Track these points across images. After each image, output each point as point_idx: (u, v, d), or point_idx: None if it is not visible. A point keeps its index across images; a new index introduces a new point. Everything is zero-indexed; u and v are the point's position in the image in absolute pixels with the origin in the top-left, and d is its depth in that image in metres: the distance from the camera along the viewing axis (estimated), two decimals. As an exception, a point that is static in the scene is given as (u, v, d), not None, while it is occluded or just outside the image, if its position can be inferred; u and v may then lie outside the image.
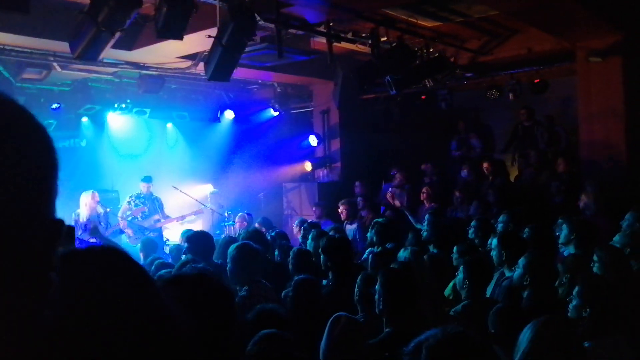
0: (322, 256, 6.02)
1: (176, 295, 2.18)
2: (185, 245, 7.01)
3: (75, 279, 1.12)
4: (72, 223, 9.94)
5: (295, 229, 10.01)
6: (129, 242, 10.59)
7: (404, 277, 4.46)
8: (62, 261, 1.12)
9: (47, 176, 0.89)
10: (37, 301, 0.88)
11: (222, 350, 2.38)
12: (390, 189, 11.58)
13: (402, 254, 6.16)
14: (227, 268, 5.58)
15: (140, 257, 7.93)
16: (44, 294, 0.89)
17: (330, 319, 3.77)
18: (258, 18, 7.50)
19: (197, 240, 6.88)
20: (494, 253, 5.97)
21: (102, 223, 10.30)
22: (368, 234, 7.89)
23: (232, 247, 5.66)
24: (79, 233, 9.92)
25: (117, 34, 6.53)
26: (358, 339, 3.73)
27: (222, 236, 10.62)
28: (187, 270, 4.73)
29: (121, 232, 10.70)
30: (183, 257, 6.84)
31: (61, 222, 0.92)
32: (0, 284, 0.84)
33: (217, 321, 2.35)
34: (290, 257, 6.29)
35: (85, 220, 10.11)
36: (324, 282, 5.99)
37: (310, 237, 7.72)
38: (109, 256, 1.25)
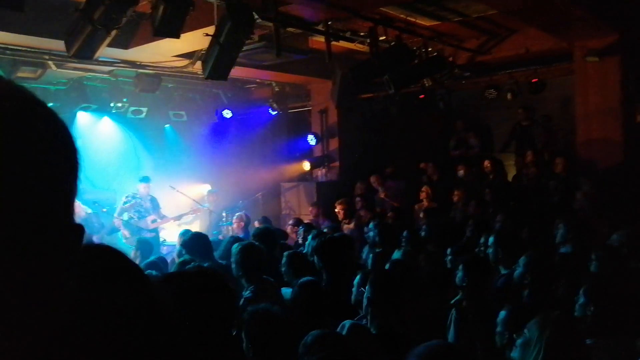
0: (315, 257, 5.94)
1: (178, 291, 2.21)
2: (183, 250, 6.88)
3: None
4: None
5: (290, 229, 9.96)
6: (126, 243, 10.53)
7: (394, 279, 4.40)
8: None
9: (65, 177, 0.79)
10: (57, 310, 0.80)
11: (220, 347, 2.37)
12: (380, 189, 11.66)
13: (396, 255, 6.11)
14: (232, 268, 5.54)
15: (135, 257, 7.84)
16: (67, 305, 0.81)
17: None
18: (256, 16, 7.46)
19: (194, 243, 6.81)
20: (490, 251, 5.96)
21: (95, 223, 10.23)
22: (370, 234, 7.82)
23: (235, 247, 5.60)
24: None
25: (113, 32, 6.48)
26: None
27: (220, 236, 10.59)
28: (190, 268, 4.71)
29: (116, 230, 10.63)
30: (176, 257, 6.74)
31: (81, 227, 0.82)
32: (20, 298, 0.74)
33: (217, 317, 2.35)
34: (284, 262, 6.03)
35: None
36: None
37: (310, 237, 7.60)
38: (108, 255, 1.28)
